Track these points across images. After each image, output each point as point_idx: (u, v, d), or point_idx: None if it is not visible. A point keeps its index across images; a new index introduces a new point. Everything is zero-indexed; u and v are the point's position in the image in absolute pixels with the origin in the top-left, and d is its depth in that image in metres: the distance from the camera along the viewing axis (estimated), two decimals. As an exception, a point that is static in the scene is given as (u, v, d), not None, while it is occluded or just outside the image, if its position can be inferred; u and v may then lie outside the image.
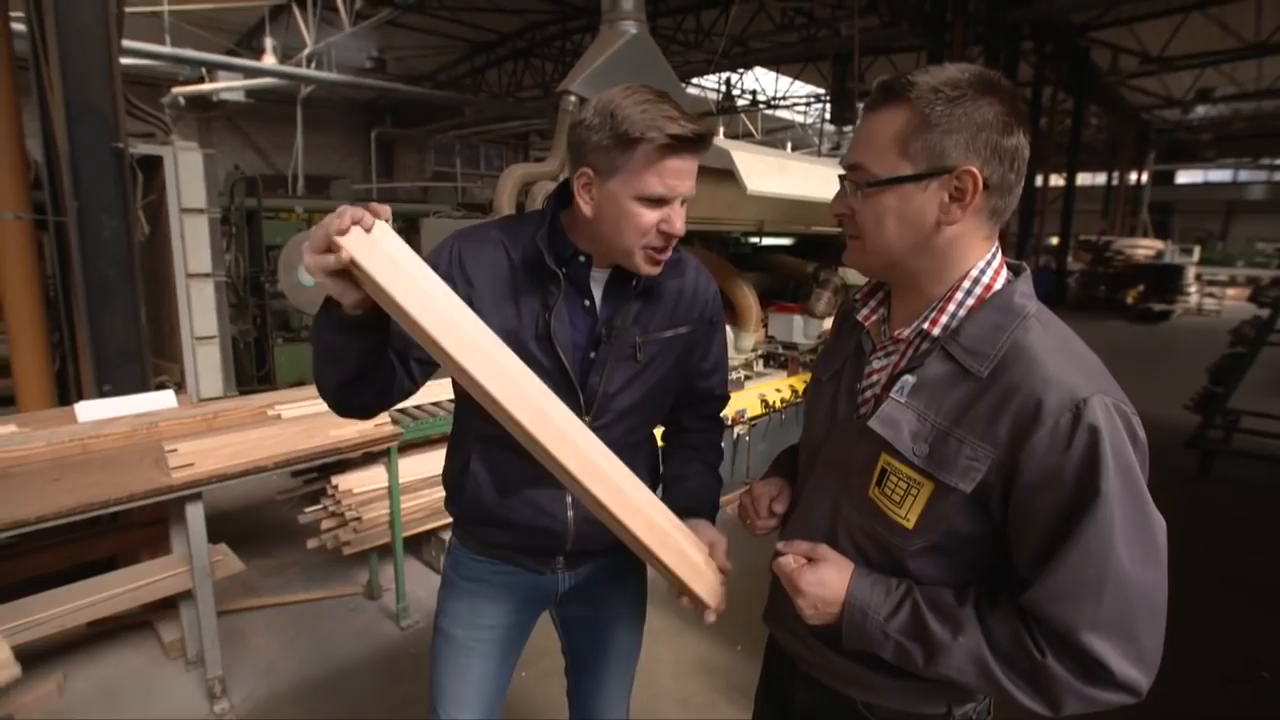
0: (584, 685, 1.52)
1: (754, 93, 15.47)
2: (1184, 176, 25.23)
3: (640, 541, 1.03)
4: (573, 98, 4.43)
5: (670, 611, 3.06)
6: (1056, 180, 16.56)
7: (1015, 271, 0.90)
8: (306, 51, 10.53)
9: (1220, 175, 23.68)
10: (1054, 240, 17.15)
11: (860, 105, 11.58)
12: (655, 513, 1.06)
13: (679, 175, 1.08)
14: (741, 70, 14.19)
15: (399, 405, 3.10)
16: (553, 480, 1.03)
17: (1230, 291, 18.22)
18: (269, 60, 10.59)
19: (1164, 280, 15.01)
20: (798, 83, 14.87)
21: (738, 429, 3.95)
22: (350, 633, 2.89)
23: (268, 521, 3.83)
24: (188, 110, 12.68)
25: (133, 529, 2.78)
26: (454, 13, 11.69)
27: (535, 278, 1.18)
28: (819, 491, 1.01)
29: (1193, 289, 16.13)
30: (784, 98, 15.61)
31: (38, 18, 3.02)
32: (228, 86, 11.72)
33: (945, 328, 0.87)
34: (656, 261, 1.15)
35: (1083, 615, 0.76)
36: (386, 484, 2.83)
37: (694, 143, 1.07)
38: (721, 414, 1.47)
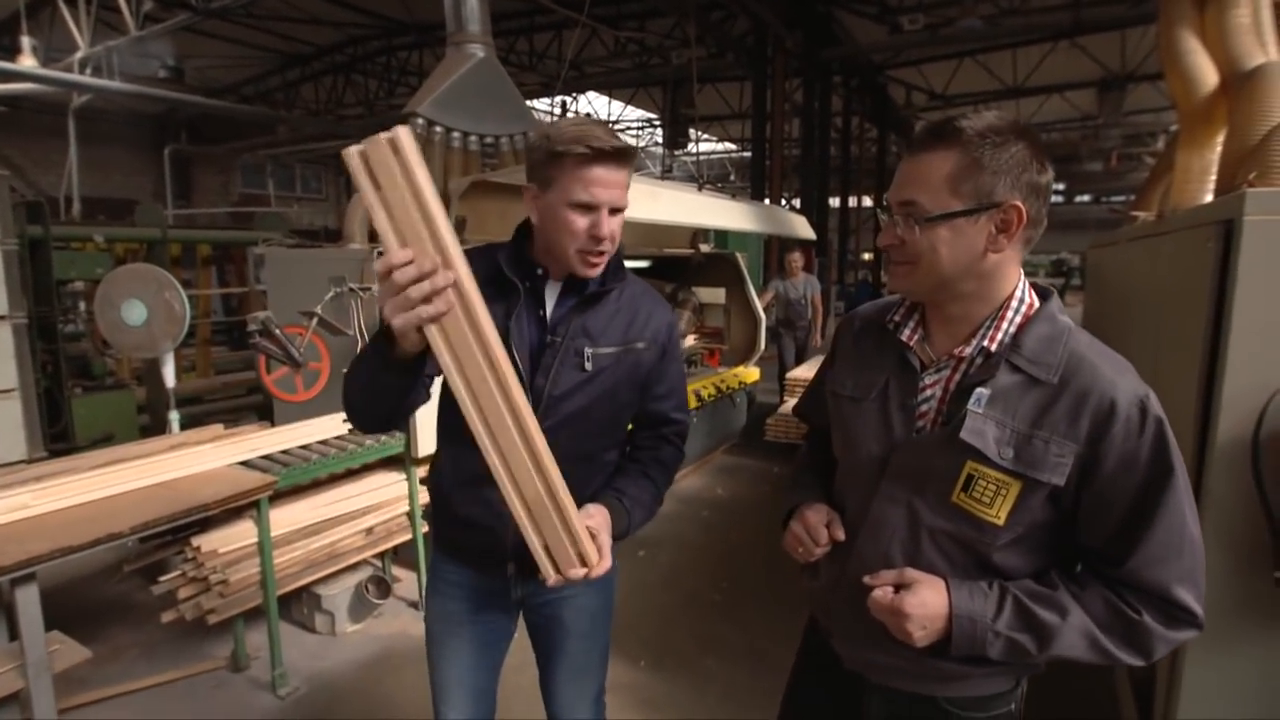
0: (545, 690, 1.59)
1: (589, 116, 15.80)
2: None
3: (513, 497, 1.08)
4: (420, 121, 4.28)
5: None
6: (868, 201, 18.45)
7: (1042, 293, 1.04)
8: (79, 55, 9.17)
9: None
10: (867, 256, 19.15)
11: (693, 131, 12.25)
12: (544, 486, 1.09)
13: (603, 184, 1.22)
14: (576, 94, 14.42)
15: (266, 451, 2.80)
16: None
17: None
18: (27, 62, 9.08)
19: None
20: (630, 107, 15.40)
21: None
22: (220, 712, 2.52)
23: (89, 601, 3.26)
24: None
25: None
26: (263, 22, 10.80)
27: (501, 290, 1.31)
28: (889, 504, 1.05)
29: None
30: (617, 122, 16.08)
31: None
32: (-31, 91, 9.90)
33: (1001, 344, 0.98)
34: (592, 264, 1.28)
35: (1172, 573, 0.91)
36: (256, 539, 2.52)
37: (612, 155, 1.21)
38: (675, 436, 1.50)
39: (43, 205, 4.72)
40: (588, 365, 1.33)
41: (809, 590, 1.23)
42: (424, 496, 3.27)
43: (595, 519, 1.21)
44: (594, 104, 15.72)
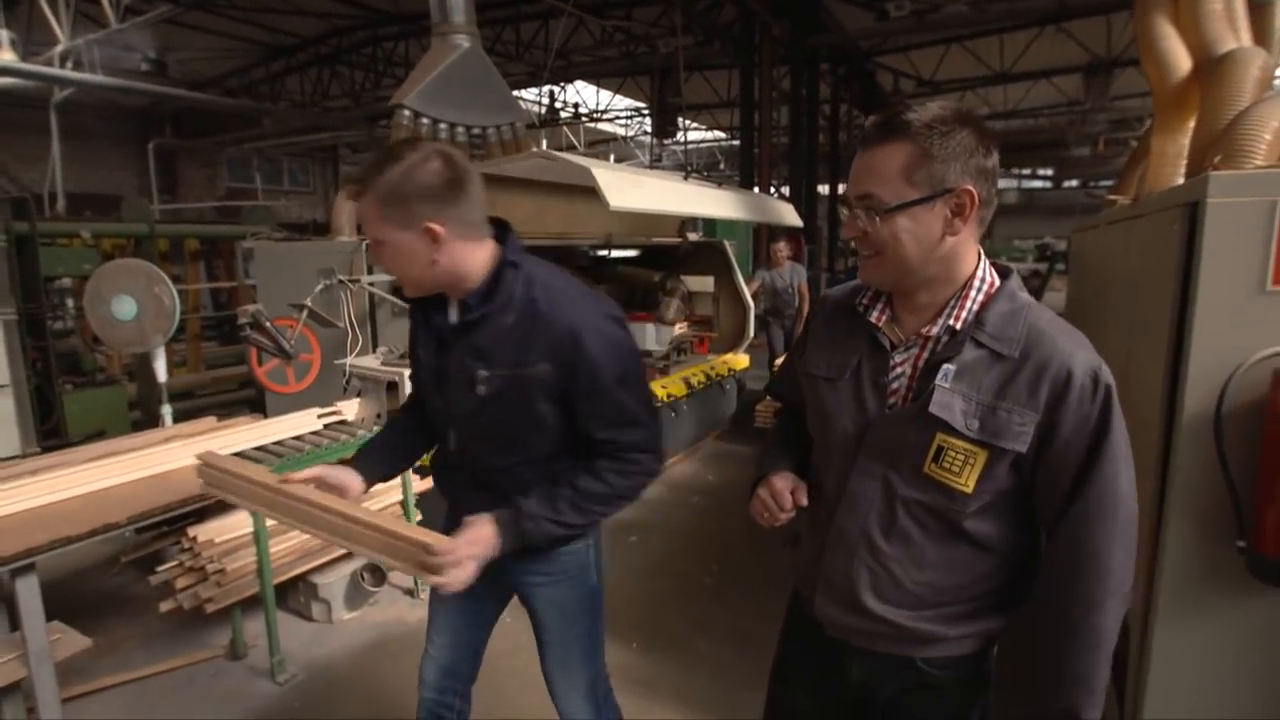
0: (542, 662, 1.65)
1: (576, 105, 15.70)
2: None
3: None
4: (406, 112, 4.28)
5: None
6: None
7: (1002, 272, 1.09)
8: (59, 49, 9.06)
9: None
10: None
11: (682, 120, 12.21)
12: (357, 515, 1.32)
13: (361, 218, 1.36)
14: (563, 84, 14.34)
15: (259, 443, 2.83)
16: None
17: (999, 283, 21.45)
18: (6, 56, 8.97)
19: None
20: (618, 96, 15.32)
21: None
22: (219, 699, 2.56)
23: (84, 594, 3.28)
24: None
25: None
26: (246, 13, 10.68)
27: (412, 316, 1.47)
28: (865, 478, 1.10)
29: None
30: (605, 111, 16.00)
31: None
32: (-53, 87, 9.77)
33: (965, 321, 1.04)
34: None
35: (1102, 533, 0.98)
36: (252, 529, 2.55)
37: (352, 192, 1.30)
38: (607, 457, 1.39)
39: (28, 201, 4.70)
40: (480, 389, 1.33)
41: (792, 563, 1.28)
42: (418, 484, 3.30)
43: (465, 530, 1.28)
44: (581, 93, 15.65)
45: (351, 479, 1.45)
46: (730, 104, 13.57)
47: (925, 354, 1.07)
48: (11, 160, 13.95)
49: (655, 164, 17.63)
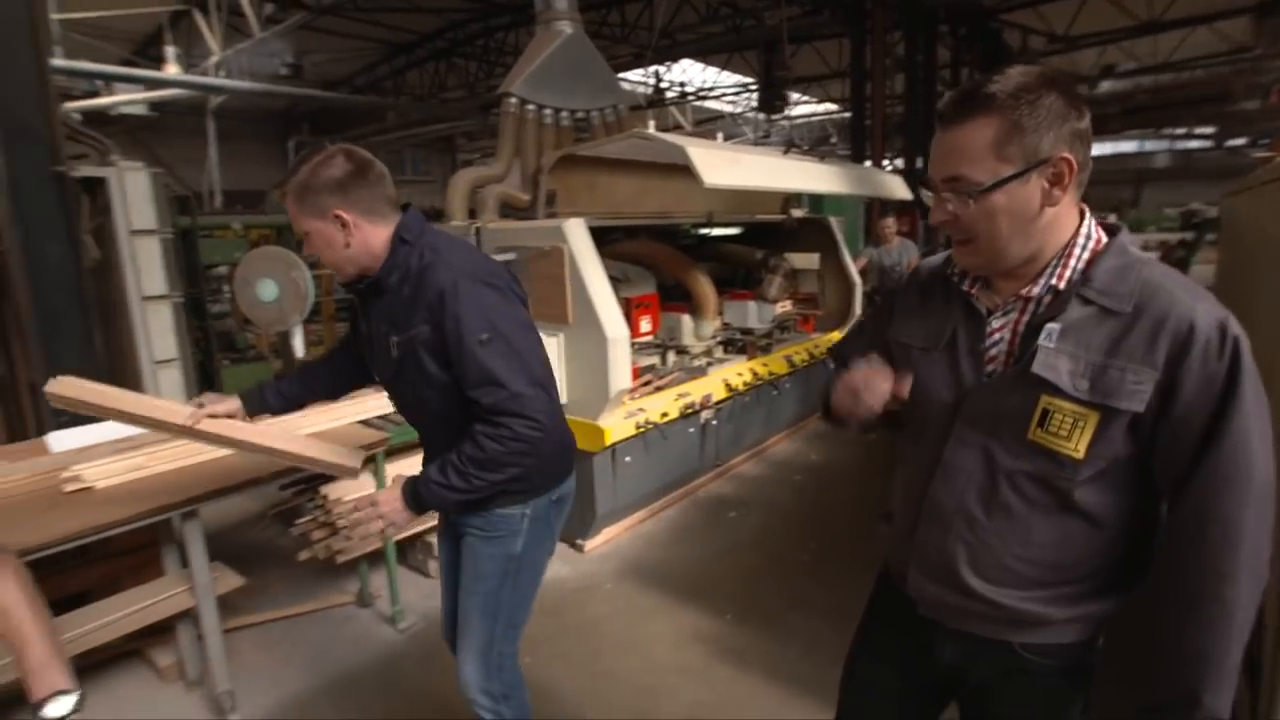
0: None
1: (682, 85, 15.62)
2: (1095, 149, 26.71)
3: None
4: (513, 99, 4.44)
5: (661, 591, 3.14)
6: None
7: (1110, 230, 1.02)
8: (213, 60, 10.03)
9: (1128, 146, 25.09)
10: None
11: (790, 93, 11.89)
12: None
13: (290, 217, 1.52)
14: (669, 63, 14.30)
15: (383, 413, 3.07)
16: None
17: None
18: (172, 70, 10.02)
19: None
20: (725, 73, 15.10)
21: (704, 414, 4.05)
22: (348, 641, 2.84)
23: (236, 544, 3.71)
24: (83, 126, 11.87)
25: (108, 560, 2.66)
26: (370, 14, 11.38)
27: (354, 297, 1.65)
28: (963, 449, 1.05)
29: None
30: (712, 89, 15.82)
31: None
32: (128, 100, 10.98)
33: (1070, 280, 0.98)
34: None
35: (1233, 498, 0.89)
36: (375, 489, 2.79)
37: (279, 195, 1.50)
38: (481, 421, 1.47)
39: (190, 198, 5.30)
40: (393, 352, 1.52)
41: (883, 537, 1.26)
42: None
43: (384, 490, 1.54)
44: (688, 72, 15.54)
45: (231, 405, 1.78)
46: (842, 75, 13.04)
47: (1026, 317, 1.01)
48: (177, 162, 15.66)
49: (763, 140, 17.26)
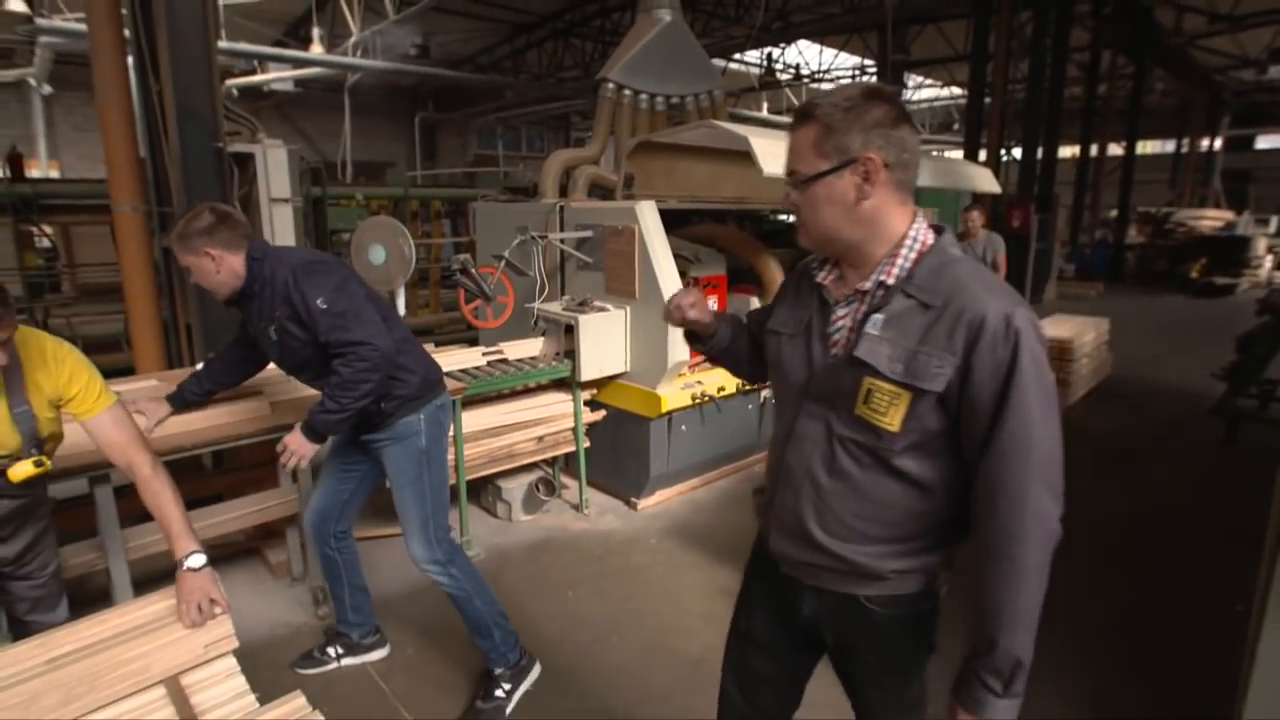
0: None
1: (797, 67, 15.33)
2: (1263, 142, 23.36)
3: None
4: (610, 85, 4.66)
5: (701, 550, 3.34)
6: (1115, 150, 15.88)
7: (938, 231, 1.17)
8: (353, 40, 10.85)
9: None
10: (1113, 213, 16.25)
11: (905, 76, 11.45)
12: None
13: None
14: (784, 44, 14.10)
15: (461, 365, 3.40)
16: None
17: (1306, 263, 16.79)
18: (317, 50, 10.94)
19: (1228, 253, 13.88)
20: (843, 54, 14.70)
21: (764, 393, 4.16)
22: (420, 566, 3.24)
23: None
24: (239, 101, 13.19)
25: (239, 471, 3.19)
26: (496, -4, 11.93)
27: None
28: (809, 420, 1.22)
29: (1265, 261, 15.14)
30: (828, 71, 15.44)
31: (145, 33, 3.40)
32: (278, 77, 12.14)
33: (898, 277, 1.13)
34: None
35: (1019, 469, 1.03)
36: (452, 433, 3.15)
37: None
38: (336, 356, 2.02)
39: (320, 170, 5.93)
40: (273, 336, 2.07)
41: (755, 507, 1.40)
42: (588, 415, 3.76)
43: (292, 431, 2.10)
44: (804, 53, 15.22)
45: (162, 410, 2.35)
46: (965, 58, 12.42)
47: (864, 308, 1.15)
48: (316, 135, 17.09)
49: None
